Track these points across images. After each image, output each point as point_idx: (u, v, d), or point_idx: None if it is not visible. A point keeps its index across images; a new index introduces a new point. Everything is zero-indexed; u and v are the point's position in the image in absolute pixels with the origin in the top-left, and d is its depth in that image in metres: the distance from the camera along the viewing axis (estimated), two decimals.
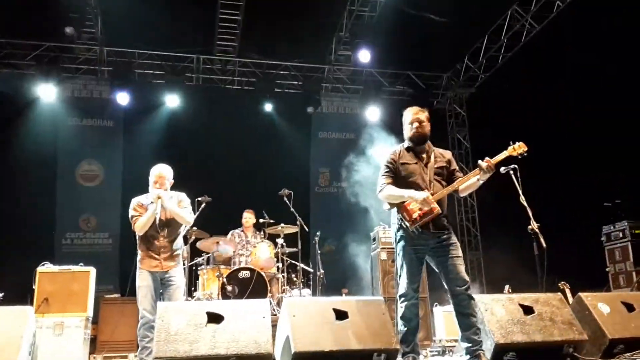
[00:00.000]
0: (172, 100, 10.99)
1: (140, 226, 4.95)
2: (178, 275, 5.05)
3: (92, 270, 6.35)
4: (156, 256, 4.97)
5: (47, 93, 10.56)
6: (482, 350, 4.06)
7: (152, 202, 4.99)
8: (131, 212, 5.07)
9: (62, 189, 10.67)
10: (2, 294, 5.77)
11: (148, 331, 4.71)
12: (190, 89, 11.32)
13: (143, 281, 4.92)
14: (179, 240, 5.18)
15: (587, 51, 8.77)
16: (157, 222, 4.94)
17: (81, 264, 6.38)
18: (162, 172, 5.11)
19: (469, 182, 4.28)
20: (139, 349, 4.82)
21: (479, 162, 4.21)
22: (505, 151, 4.26)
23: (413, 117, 4.41)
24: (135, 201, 5.12)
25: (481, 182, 4.27)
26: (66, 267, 6.27)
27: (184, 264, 6.83)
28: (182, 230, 5.24)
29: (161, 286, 4.98)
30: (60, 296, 6.02)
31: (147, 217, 4.95)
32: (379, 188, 4.40)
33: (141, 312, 4.84)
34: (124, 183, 10.67)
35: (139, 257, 5.05)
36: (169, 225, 5.04)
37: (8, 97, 10.38)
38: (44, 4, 9.11)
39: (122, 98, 10.79)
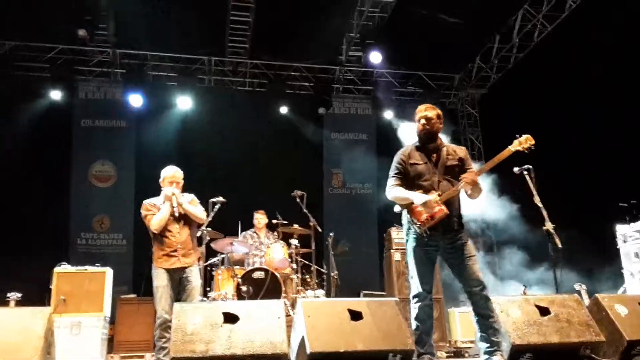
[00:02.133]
0: (184, 102, 11.04)
1: (156, 223, 4.99)
2: (195, 276, 5.10)
3: (109, 271, 6.42)
4: (173, 253, 5.01)
5: (60, 95, 10.65)
6: (501, 351, 4.05)
7: (164, 202, 5.06)
8: (143, 212, 5.12)
9: (76, 189, 10.76)
10: (20, 294, 5.82)
11: (165, 331, 4.73)
12: (202, 91, 11.36)
13: (160, 281, 4.95)
14: (194, 238, 5.26)
15: (599, 50, 8.71)
16: (172, 219, 5.02)
17: (98, 264, 6.45)
18: (176, 174, 5.21)
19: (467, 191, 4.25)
20: (156, 349, 4.85)
21: (462, 175, 4.17)
22: (509, 147, 4.20)
23: (421, 114, 4.38)
24: (146, 202, 5.18)
25: (477, 193, 4.23)
26: (82, 267, 6.35)
27: (199, 264, 6.90)
28: (197, 229, 5.35)
29: (179, 285, 5.01)
30: (77, 296, 6.10)
31: (162, 213, 5.01)
32: (388, 190, 4.40)
33: (159, 312, 4.86)
34: (137, 183, 10.73)
35: (154, 257, 5.08)
36: (184, 222, 5.11)
37: (22, 100, 10.48)
38: (57, 7, 9.18)
39: (135, 100, 10.86)
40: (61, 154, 10.69)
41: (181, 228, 5.09)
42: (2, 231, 9.27)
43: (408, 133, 11.21)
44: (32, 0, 8.93)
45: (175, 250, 5.01)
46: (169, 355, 4.32)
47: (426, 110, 4.39)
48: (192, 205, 5.19)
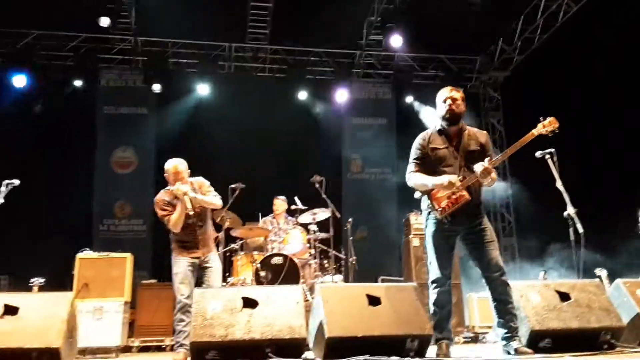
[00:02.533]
0: (204, 88, 11.13)
1: (174, 224, 5.02)
2: (215, 259, 5.19)
3: (130, 257, 6.51)
4: (194, 248, 5.09)
5: (83, 83, 10.80)
6: (518, 336, 4.02)
7: (177, 199, 5.04)
8: (160, 212, 5.12)
9: (99, 176, 10.92)
10: (44, 280, 5.95)
11: (184, 315, 4.81)
12: (222, 77, 11.42)
13: (180, 268, 5.02)
14: (211, 226, 5.33)
15: (626, 31, 8.48)
16: (190, 215, 5.02)
17: (119, 250, 6.56)
18: (178, 167, 5.13)
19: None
20: (175, 332, 4.94)
21: (475, 166, 4.10)
22: (533, 130, 4.12)
23: (447, 95, 4.31)
24: (160, 200, 5.17)
25: (488, 181, 4.12)
26: (104, 253, 6.46)
27: (217, 249, 6.97)
28: (212, 213, 5.39)
29: (199, 270, 5.09)
30: (100, 282, 6.21)
31: (177, 214, 5.01)
32: (407, 176, 4.36)
33: (178, 298, 4.94)
34: (157, 169, 10.81)
35: (173, 247, 5.15)
36: (199, 215, 5.13)
37: (46, 88, 10.65)
38: None
39: (156, 87, 10.98)
40: (84, 141, 10.83)
41: (197, 220, 5.12)
42: (26, 217, 9.46)
43: (429, 117, 11.15)
44: None
45: (196, 243, 5.09)
46: (188, 338, 4.42)
47: (452, 91, 4.33)
48: (203, 193, 5.17)
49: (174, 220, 5.02)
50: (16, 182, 4.88)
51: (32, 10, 9.77)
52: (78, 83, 10.79)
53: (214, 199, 5.21)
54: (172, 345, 6.29)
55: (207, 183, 5.31)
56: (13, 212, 4.94)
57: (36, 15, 9.96)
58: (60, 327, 3.90)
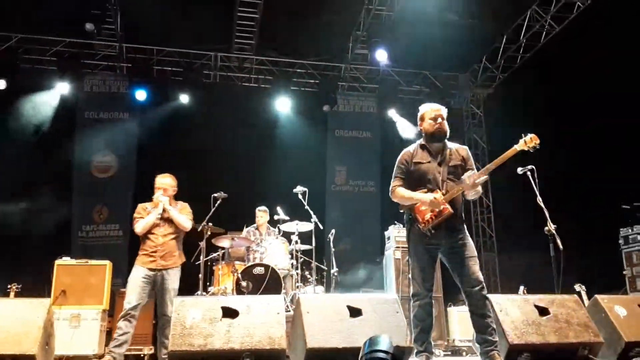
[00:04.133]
0: (189, 97, 11.08)
1: (139, 227, 5.24)
2: (172, 278, 5.21)
3: (109, 264, 6.44)
4: (153, 254, 5.18)
5: (66, 88, 10.70)
6: (497, 350, 4.04)
7: (154, 207, 5.29)
8: (135, 214, 5.38)
9: (78, 181, 10.77)
10: (20, 285, 5.86)
11: (124, 322, 4.90)
12: (208, 86, 11.39)
13: (135, 274, 5.14)
14: (179, 243, 5.40)
15: (607, 53, 8.67)
16: (158, 222, 5.26)
17: (98, 257, 6.49)
18: (166, 182, 5.43)
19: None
20: (112, 341, 4.94)
21: (462, 177, 4.16)
22: (515, 146, 4.18)
23: (436, 113, 4.39)
24: (141, 205, 5.44)
25: (475, 192, 4.20)
26: (83, 260, 6.38)
27: (198, 259, 6.91)
28: (182, 236, 5.46)
29: (154, 286, 5.18)
30: (78, 289, 6.14)
31: (149, 218, 5.25)
32: (391, 191, 4.40)
33: (124, 304, 5.02)
34: (137, 175, 10.76)
35: (138, 254, 5.30)
36: (169, 226, 5.30)
37: (27, 92, 10.53)
38: (64, 1, 9.22)
39: (140, 94, 10.92)
40: (64, 146, 10.71)
41: (165, 232, 5.27)
42: (3, 222, 9.30)
43: (412, 132, 11.24)
44: None
45: (154, 252, 5.18)
46: (122, 347, 4.67)
47: (440, 110, 4.42)
48: (181, 212, 5.39)
49: (142, 224, 5.24)
50: None
51: (16, 14, 9.68)
52: (61, 88, 10.66)
53: (184, 219, 5.35)
54: (151, 355, 6.22)
55: (189, 210, 5.51)
56: None
57: (20, 19, 9.87)
58: (37, 334, 3.84)
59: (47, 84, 10.68)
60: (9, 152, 9.83)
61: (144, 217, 5.29)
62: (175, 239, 5.33)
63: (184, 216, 5.36)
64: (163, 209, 5.26)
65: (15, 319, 3.89)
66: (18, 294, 5.71)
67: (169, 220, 5.30)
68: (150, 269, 5.13)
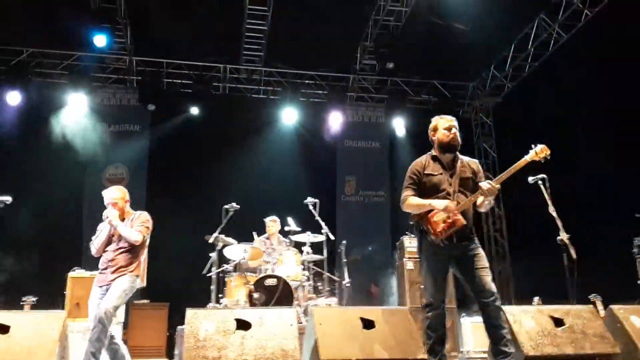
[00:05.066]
0: (198, 109, 11.18)
1: (93, 249, 5.03)
2: (116, 283, 4.82)
3: None
4: (104, 271, 4.94)
5: (77, 101, 10.82)
6: None
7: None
8: (92, 237, 5.12)
9: (90, 193, 10.83)
10: (35, 298, 5.89)
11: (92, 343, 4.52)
12: (217, 98, 11.48)
13: (92, 298, 4.87)
14: (134, 257, 5.02)
15: (615, 60, 8.65)
16: (112, 238, 5.01)
17: None
18: (113, 196, 5.13)
19: (479, 200, 4.24)
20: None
21: (480, 184, 4.16)
22: (526, 156, 4.17)
23: (450, 124, 4.38)
24: (99, 227, 5.15)
25: (488, 202, 4.21)
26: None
27: (210, 271, 6.93)
28: (142, 250, 5.12)
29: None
30: None
31: (99, 238, 5.01)
32: (402, 201, 4.37)
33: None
34: (148, 187, 10.83)
35: None
36: (120, 240, 5.00)
37: (39, 105, 10.65)
38: (75, 15, 9.34)
39: (151, 106, 11.02)
40: (76, 159, 10.79)
41: (116, 247, 4.99)
42: (18, 235, 9.37)
43: (422, 142, 11.23)
44: (51, 8, 9.08)
45: (105, 269, 4.93)
46: None
47: (453, 122, 4.41)
48: (134, 224, 5.06)
49: (95, 245, 5.01)
50: (8, 199, 4.84)
51: (28, 28, 9.81)
52: (72, 100, 10.78)
53: (130, 233, 4.97)
54: None
55: (145, 219, 5.15)
56: (4, 229, 4.90)
57: (32, 33, 10.00)
58: (52, 347, 3.86)
59: (58, 97, 10.79)
60: (23, 164, 9.93)
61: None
62: (127, 252, 4.97)
63: (132, 229, 4.99)
64: (111, 225, 4.97)
65: (31, 332, 3.92)
66: (33, 307, 5.73)
67: (123, 238, 5.00)
68: (102, 287, 4.86)
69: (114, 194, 5.13)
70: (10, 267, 8.84)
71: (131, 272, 4.91)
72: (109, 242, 5.02)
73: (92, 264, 7.33)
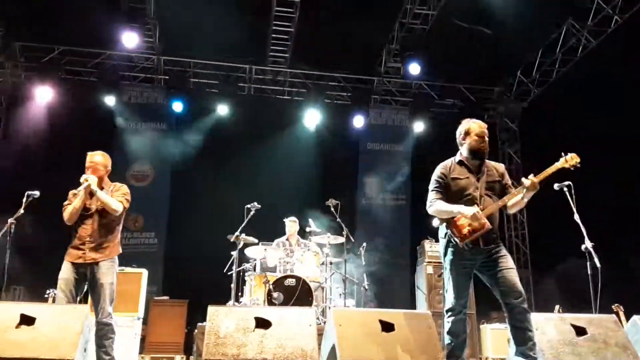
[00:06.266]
0: (224, 109, 11.31)
1: (68, 214, 4.65)
2: (104, 271, 4.60)
3: (145, 272, 6.55)
4: (81, 246, 4.62)
5: (105, 99, 11.02)
6: None
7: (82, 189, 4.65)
8: (65, 203, 4.76)
9: None
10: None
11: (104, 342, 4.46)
12: (242, 98, 11.58)
13: (63, 273, 4.58)
14: (113, 234, 4.78)
15: None
16: (87, 209, 4.68)
17: (134, 265, 6.59)
18: (96, 159, 4.83)
19: (516, 199, 4.20)
20: None
21: (523, 179, 4.13)
22: (556, 163, 4.14)
23: (483, 130, 4.34)
24: (70, 192, 4.77)
25: (526, 200, 4.18)
26: (120, 268, 6.48)
27: (230, 270, 6.98)
28: (117, 223, 4.84)
29: (85, 282, 4.61)
30: None
31: (75, 203, 4.64)
32: (429, 204, 4.34)
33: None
34: (173, 184, 10.97)
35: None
36: (101, 215, 4.69)
37: (68, 102, 10.85)
38: (105, 15, 9.51)
39: (177, 105, 11.21)
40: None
41: (94, 220, 4.68)
42: (42, 229, 9.55)
43: (445, 146, 11.16)
44: (81, 7, 9.26)
45: (83, 244, 4.61)
46: None
47: (485, 129, 4.38)
48: (115, 195, 4.77)
49: (69, 210, 4.64)
50: (36, 193, 4.91)
51: (60, 26, 10.02)
52: (101, 98, 10.97)
53: (112, 200, 4.68)
54: None
55: (126, 191, 4.91)
56: (30, 223, 4.97)
57: (63, 31, 10.21)
58: (75, 340, 3.91)
59: (87, 94, 10.99)
60: (51, 159, 10.11)
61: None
62: (108, 229, 4.70)
63: (113, 198, 4.69)
64: (90, 191, 4.61)
65: (55, 324, 3.98)
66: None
67: (102, 210, 4.66)
68: (79, 265, 4.55)
69: (97, 158, 4.83)
70: (34, 260, 9.01)
71: (111, 258, 4.68)
72: (85, 216, 4.67)
73: None
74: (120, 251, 4.83)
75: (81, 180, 4.63)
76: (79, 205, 4.62)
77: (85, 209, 4.67)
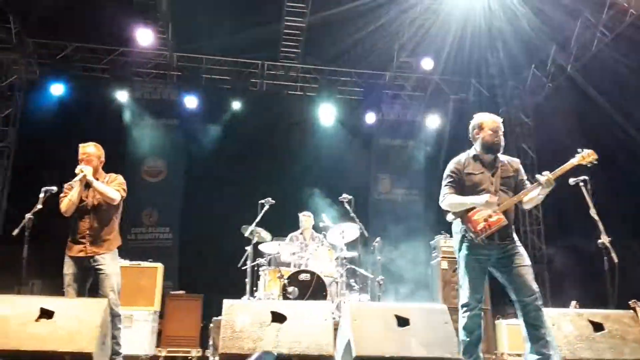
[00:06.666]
0: (236, 104, 11.35)
1: (64, 206, 4.68)
2: (107, 262, 4.68)
3: (161, 267, 6.59)
4: (81, 240, 4.69)
5: (118, 95, 11.10)
6: None
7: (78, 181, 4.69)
8: (61, 195, 4.80)
9: (128, 184, 11.03)
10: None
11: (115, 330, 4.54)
12: (254, 94, 11.60)
13: (68, 269, 4.68)
14: (111, 226, 4.84)
15: None
16: (85, 203, 4.71)
17: (150, 260, 6.64)
18: (89, 151, 4.84)
19: (531, 195, 4.18)
20: None
21: (537, 176, 4.09)
22: (573, 159, 4.11)
23: (497, 125, 4.31)
24: (66, 185, 4.82)
25: (542, 196, 4.15)
26: (136, 262, 6.55)
27: (245, 264, 7.01)
28: (116, 214, 4.90)
29: (93, 273, 4.70)
30: (130, 290, 6.28)
31: (71, 195, 4.67)
32: (442, 198, 4.32)
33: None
34: (186, 179, 11.04)
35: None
36: (98, 208, 4.74)
37: (81, 98, 10.92)
38: (118, 11, 9.56)
39: (190, 101, 11.23)
40: (116, 151, 11.02)
41: (93, 214, 4.72)
42: (59, 226, 9.63)
43: (458, 141, 11.11)
44: (94, 3, 9.31)
45: (83, 237, 4.67)
46: None
47: (500, 122, 4.34)
48: (112, 185, 4.81)
49: (66, 202, 4.66)
50: (54, 189, 4.96)
51: (73, 23, 10.08)
52: (113, 94, 11.03)
53: (109, 189, 4.73)
54: (199, 357, 6.32)
55: (122, 181, 4.94)
56: (47, 218, 5.01)
57: (76, 28, 10.27)
58: (94, 333, 3.95)
59: (100, 90, 11.06)
60: (64, 155, 10.18)
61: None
62: (107, 222, 4.75)
63: (109, 187, 4.74)
64: (86, 183, 4.64)
65: (74, 317, 4.02)
66: None
67: (99, 203, 4.71)
68: (81, 259, 4.63)
69: (90, 150, 4.82)
70: (51, 254, 9.10)
71: (112, 251, 4.75)
72: (83, 210, 4.71)
73: (131, 252, 7.57)
74: (120, 242, 4.91)
75: (76, 171, 4.67)
76: (75, 196, 4.66)
77: (83, 203, 4.72)
